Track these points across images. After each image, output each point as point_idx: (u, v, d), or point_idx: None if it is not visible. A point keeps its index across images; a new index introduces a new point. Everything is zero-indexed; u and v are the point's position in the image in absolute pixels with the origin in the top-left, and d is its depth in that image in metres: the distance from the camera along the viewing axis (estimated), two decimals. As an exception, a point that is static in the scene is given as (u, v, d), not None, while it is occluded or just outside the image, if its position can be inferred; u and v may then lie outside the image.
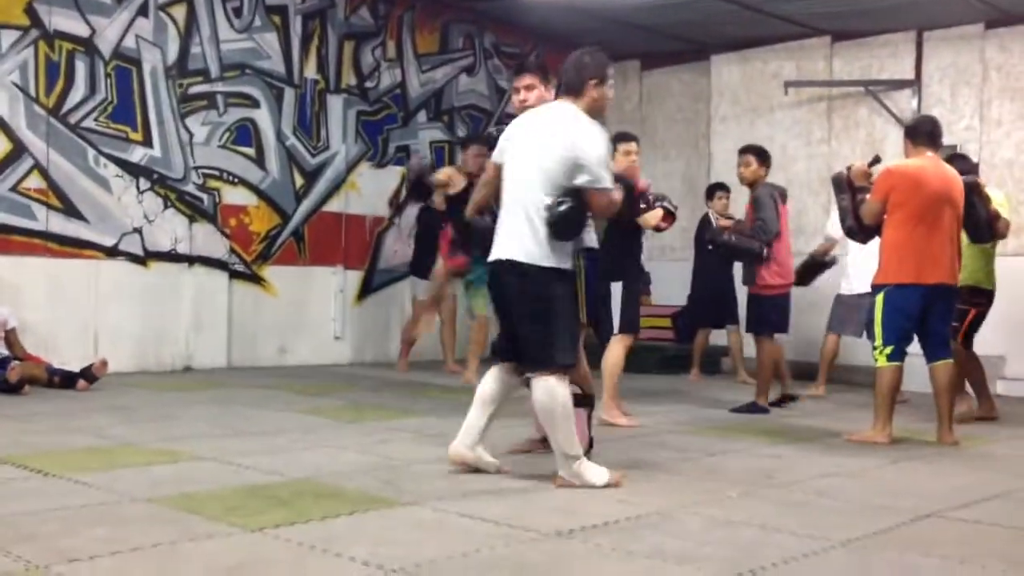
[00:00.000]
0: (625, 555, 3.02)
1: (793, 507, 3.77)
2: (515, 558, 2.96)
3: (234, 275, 8.35)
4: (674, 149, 10.63)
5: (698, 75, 10.45)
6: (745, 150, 6.70)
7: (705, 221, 8.73)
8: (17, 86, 7.15)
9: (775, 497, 3.93)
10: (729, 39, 9.86)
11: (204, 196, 8.18)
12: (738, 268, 7.51)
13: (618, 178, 4.55)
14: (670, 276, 9.34)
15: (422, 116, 9.74)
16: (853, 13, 8.82)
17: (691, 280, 8.98)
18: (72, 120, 7.40)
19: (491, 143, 4.49)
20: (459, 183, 7.62)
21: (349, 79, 9.13)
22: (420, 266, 8.45)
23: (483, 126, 10.08)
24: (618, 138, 6.01)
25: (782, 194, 6.65)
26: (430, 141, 9.73)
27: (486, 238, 4.14)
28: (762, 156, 6.60)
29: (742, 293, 7.07)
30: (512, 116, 4.43)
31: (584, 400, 4.39)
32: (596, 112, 4.05)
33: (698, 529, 3.36)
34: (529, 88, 4.41)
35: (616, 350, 5.81)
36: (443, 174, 7.94)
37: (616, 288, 5.76)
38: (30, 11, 7.20)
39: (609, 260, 5.33)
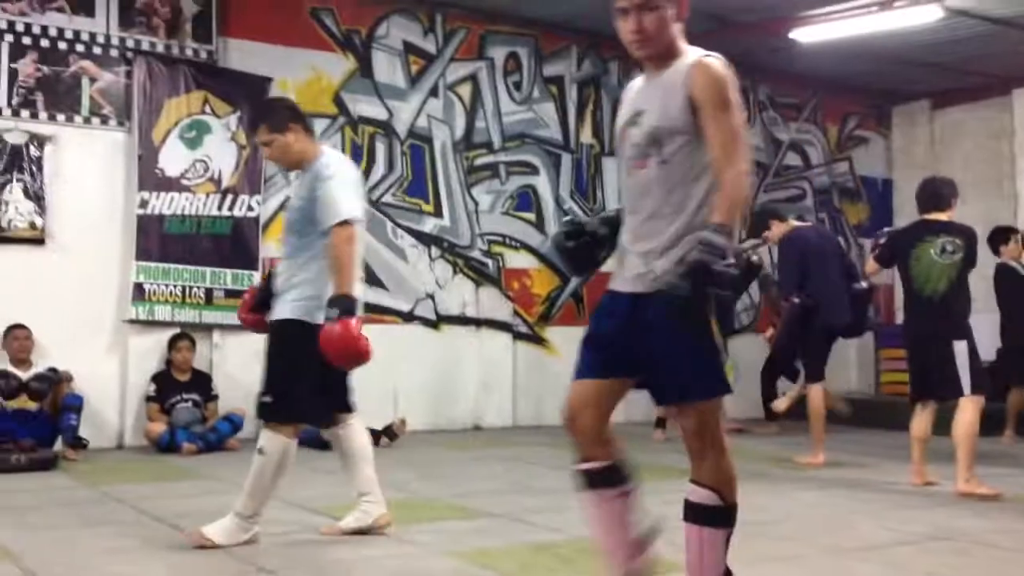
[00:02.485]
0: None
1: None
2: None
3: (518, 336, 8.69)
4: (973, 191, 9.89)
5: (998, 111, 9.73)
6: None
7: (1005, 270, 8.03)
8: (327, 168, 7.93)
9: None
10: (1033, 71, 9.13)
11: (489, 261, 8.62)
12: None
13: None
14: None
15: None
16: None
17: (1000, 334, 8.27)
18: (374, 196, 8.09)
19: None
20: None
21: (624, 141, 9.31)
22: None
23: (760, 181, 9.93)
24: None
25: None
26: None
27: None
28: None
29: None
30: None
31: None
32: None
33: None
34: None
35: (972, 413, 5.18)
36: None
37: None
38: (337, 100, 7.99)
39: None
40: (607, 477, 2.77)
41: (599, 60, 9.21)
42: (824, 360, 6.58)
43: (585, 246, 2.93)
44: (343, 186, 3.81)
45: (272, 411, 3.80)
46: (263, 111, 4.24)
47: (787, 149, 10.40)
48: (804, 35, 8.49)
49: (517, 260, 8.75)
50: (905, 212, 9.45)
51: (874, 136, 11.04)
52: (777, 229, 6.76)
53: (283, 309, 3.84)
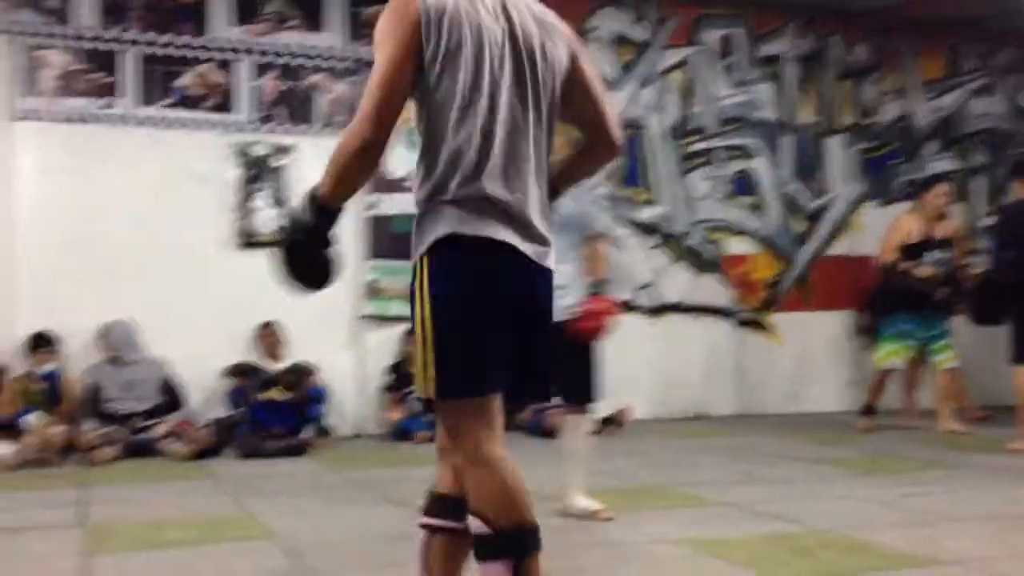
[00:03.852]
0: None
1: None
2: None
3: (740, 323, 8.51)
4: None
5: None
6: None
7: None
8: (543, 163, 8.07)
9: None
10: None
11: (708, 248, 8.48)
12: None
13: None
14: None
15: (931, 147, 9.18)
16: None
17: None
18: (590, 187, 8.13)
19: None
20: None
21: (847, 118, 8.92)
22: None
23: (1003, 150, 9.23)
24: None
25: None
26: (939, 172, 9.11)
27: None
28: None
29: None
30: None
31: None
32: None
33: None
34: None
35: None
36: None
37: None
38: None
39: None
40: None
41: (817, 36, 8.84)
42: None
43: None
44: None
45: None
46: None
47: (1032, 116, 9.60)
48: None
49: (736, 246, 8.57)
50: None
51: None
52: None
53: None
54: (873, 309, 7.78)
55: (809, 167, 8.81)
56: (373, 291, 7.50)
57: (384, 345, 7.44)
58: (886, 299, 7.31)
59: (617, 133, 2.38)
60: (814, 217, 8.82)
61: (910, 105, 9.14)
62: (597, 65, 2.70)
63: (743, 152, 8.64)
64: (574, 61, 2.32)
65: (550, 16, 2.32)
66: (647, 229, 8.31)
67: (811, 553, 3.54)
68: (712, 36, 8.58)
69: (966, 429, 7.00)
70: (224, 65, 7.31)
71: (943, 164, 9.16)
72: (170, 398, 6.62)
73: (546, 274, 2.27)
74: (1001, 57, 9.41)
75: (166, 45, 7.16)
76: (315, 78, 7.52)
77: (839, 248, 8.83)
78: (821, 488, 4.91)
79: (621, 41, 8.31)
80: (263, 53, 7.39)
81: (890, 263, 7.13)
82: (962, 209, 8.94)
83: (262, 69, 7.39)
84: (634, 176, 8.29)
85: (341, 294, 7.43)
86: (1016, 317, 6.21)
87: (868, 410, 7.32)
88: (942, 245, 7.11)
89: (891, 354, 7.23)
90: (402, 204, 7.63)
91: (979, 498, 4.55)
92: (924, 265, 7.04)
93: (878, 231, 8.92)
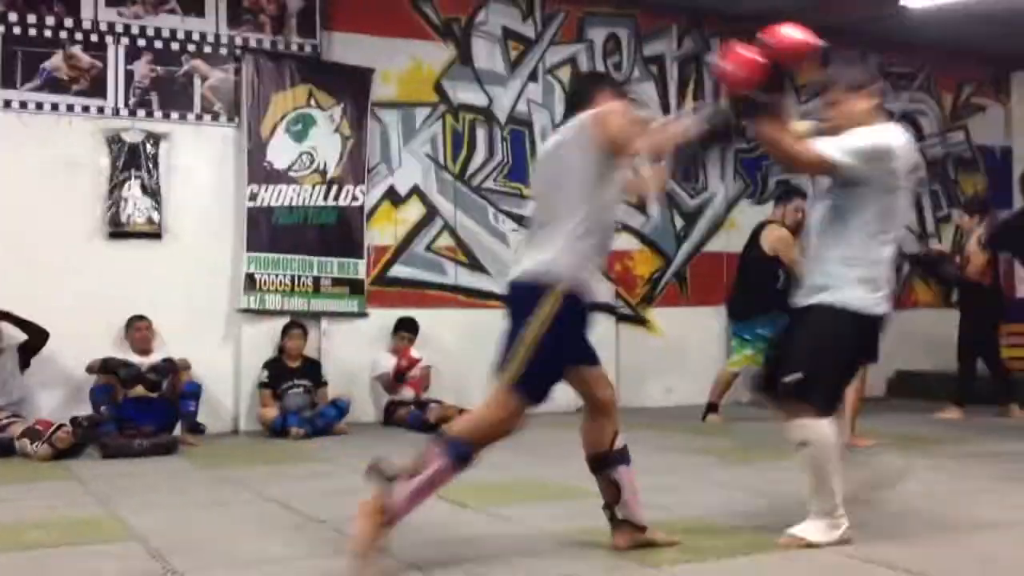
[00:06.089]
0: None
1: None
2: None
3: (620, 318, 8.64)
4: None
5: None
6: None
7: None
8: (429, 156, 8.03)
9: None
10: None
11: (591, 244, 8.57)
12: None
13: None
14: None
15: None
16: None
17: None
18: (474, 183, 8.15)
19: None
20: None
21: (726, 119, 9.15)
22: None
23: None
24: None
25: None
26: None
27: None
28: None
29: None
30: None
31: None
32: None
33: None
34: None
35: None
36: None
37: None
38: (438, 88, 8.07)
39: None
40: None
41: (700, 38, 9.05)
42: None
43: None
44: None
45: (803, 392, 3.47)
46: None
47: (899, 120, 10.03)
48: (914, 1, 8.17)
49: (619, 242, 8.69)
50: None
51: (991, 104, 10.56)
52: None
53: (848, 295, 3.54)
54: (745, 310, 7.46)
55: (689, 166, 9.00)
56: (252, 284, 7.32)
57: (263, 340, 7.27)
58: (759, 300, 7.09)
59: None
60: (693, 215, 9.02)
61: (785, 108, 9.42)
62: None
63: (626, 150, 8.76)
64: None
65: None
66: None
67: (679, 538, 3.62)
68: (598, 34, 8.69)
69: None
70: (95, 47, 7.01)
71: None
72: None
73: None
74: (871, 63, 9.81)
75: (33, 25, 6.83)
76: (192, 64, 7.29)
77: (715, 245, 9.06)
78: (693, 477, 5.02)
79: (509, 36, 8.34)
80: (137, 36, 7.12)
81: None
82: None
83: (136, 53, 7.11)
84: (519, 171, 8.32)
85: (217, 287, 7.24)
86: None
87: (712, 408, 7.49)
88: None
89: (747, 359, 7.28)
90: (284, 196, 7.48)
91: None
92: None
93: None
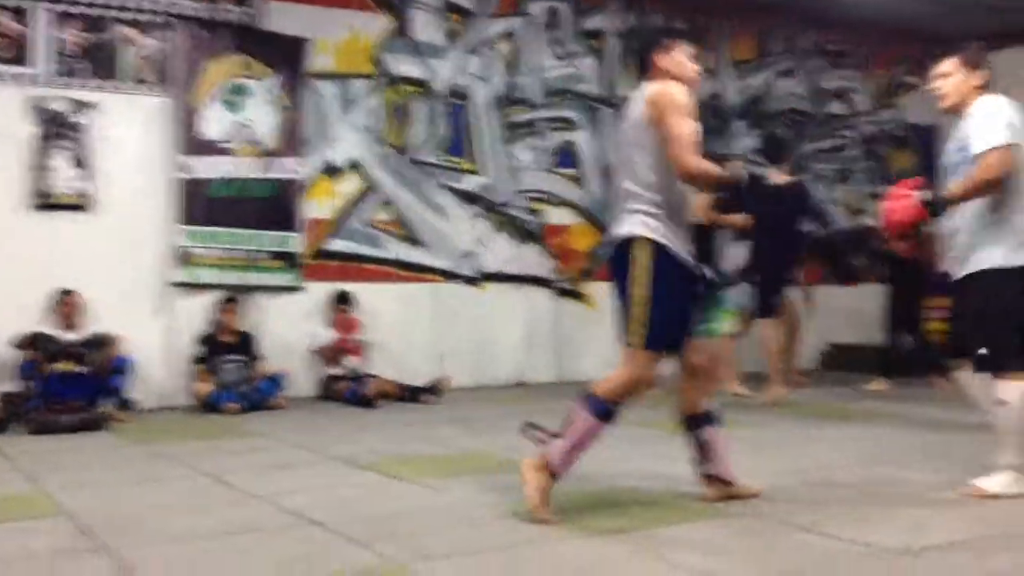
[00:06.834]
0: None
1: None
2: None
3: (559, 292, 8.68)
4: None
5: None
6: None
7: None
8: (368, 129, 7.93)
9: None
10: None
11: (530, 218, 8.58)
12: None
13: None
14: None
15: (739, 125, 9.60)
16: None
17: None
18: (413, 156, 8.08)
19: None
20: None
21: (665, 95, 9.18)
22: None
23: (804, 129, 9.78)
24: None
25: None
26: (747, 150, 9.56)
27: None
28: None
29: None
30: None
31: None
32: None
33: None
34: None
35: None
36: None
37: None
38: (376, 60, 7.97)
39: None
40: None
41: (639, 12, 9.06)
42: None
43: None
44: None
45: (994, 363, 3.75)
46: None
47: (832, 97, 10.20)
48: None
49: (558, 216, 8.71)
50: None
51: (924, 83, 10.75)
52: None
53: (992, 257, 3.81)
54: None
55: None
56: (185, 257, 7.18)
57: (197, 314, 7.15)
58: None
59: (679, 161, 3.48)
60: (632, 190, 9.05)
61: (722, 84, 9.52)
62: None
63: (566, 124, 8.77)
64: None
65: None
66: (470, 198, 8.32)
67: (614, 507, 3.67)
68: (538, 8, 8.65)
69: (749, 393, 7.34)
70: (20, 13, 6.78)
71: (749, 141, 9.60)
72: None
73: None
74: (804, 40, 9.94)
75: (-49, -12, 6.58)
76: (122, 31, 7.09)
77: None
78: (629, 448, 5.07)
79: (448, 7, 8.25)
80: (66, 2, 6.89)
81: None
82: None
83: (63, 19, 6.89)
84: (458, 145, 8.27)
85: (149, 260, 7.09)
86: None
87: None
88: None
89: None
90: (219, 167, 7.34)
91: (780, 455, 4.86)
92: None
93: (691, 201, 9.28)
